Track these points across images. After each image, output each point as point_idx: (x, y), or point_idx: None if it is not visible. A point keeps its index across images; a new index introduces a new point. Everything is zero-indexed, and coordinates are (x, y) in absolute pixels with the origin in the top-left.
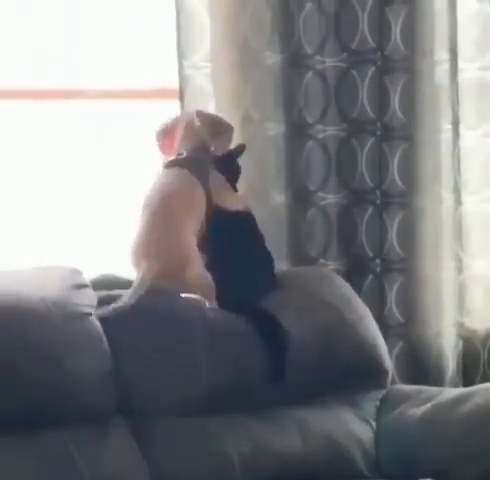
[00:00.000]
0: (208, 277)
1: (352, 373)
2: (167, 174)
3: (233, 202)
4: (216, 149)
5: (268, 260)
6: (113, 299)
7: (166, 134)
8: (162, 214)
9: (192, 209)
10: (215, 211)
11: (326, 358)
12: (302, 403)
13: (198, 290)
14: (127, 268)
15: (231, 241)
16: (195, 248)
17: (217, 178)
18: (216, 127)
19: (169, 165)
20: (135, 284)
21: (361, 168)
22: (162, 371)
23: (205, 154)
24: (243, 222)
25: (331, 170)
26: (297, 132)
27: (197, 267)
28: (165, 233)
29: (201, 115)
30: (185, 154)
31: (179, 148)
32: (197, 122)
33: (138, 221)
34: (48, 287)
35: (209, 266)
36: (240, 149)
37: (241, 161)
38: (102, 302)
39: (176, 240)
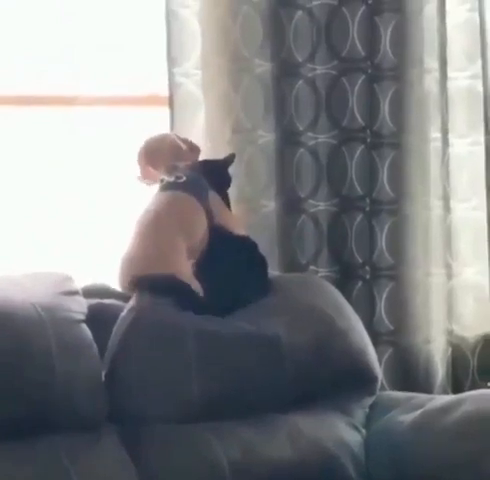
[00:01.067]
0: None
1: (342, 380)
2: (163, 197)
3: (234, 224)
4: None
5: (261, 265)
6: (105, 307)
7: (150, 158)
8: (155, 235)
9: (189, 232)
10: (216, 231)
11: (316, 365)
12: (293, 410)
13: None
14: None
15: (223, 253)
16: (185, 266)
17: (216, 199)
18: (190, 147)
19: (169, 188)
20: (131, 306)
21: (351, 175)
22: (153, 378)
23: (200, 175)
24: (245, 245)
25: (322, 177)
26: (288, 140)
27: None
28: (156, 252)
29: (182, 138)
30: (184, 178)
31: (168, 171)
32: (183, 145)
33: (129, 241)
34: (39, 293)
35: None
36: (230, 159)
37: (231, 169)
38: (93, 310)
39: (167, 262)
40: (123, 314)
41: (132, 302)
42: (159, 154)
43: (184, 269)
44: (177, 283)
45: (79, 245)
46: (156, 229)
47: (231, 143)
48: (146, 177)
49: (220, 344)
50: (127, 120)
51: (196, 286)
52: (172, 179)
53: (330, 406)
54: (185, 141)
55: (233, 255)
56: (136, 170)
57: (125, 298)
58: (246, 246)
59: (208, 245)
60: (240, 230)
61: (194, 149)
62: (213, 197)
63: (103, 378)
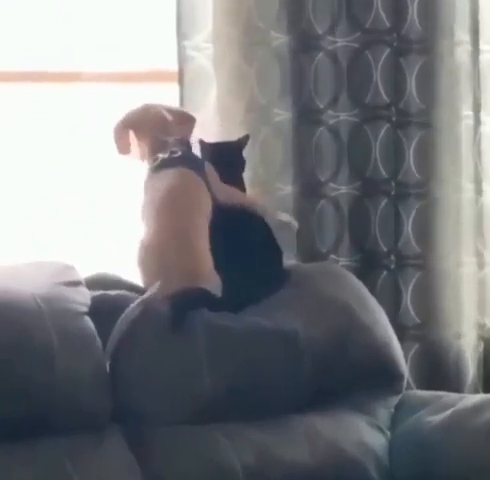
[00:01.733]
0: (215, 274)
1: (365, 378)
2: (170, 175)
3: (231, 196)
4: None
5: (276, 255)
6: (109, 299)
7: (132, 130)
8: (177, 219)
9: (202, 208)
10: (215, 207)
11: (337, 362)
12: (311, 410)
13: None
14: (124, 269)
15: (234, 237)
16: (208, 255)
17: (212, 172)
18: (180, 119)
19: (168, 165)
20: (143, 298)
21: (375, 156)
22: (161, 376)
23: (190, 147)
24: (245, 216)
25: (343, 159)
26: (306, 118)
27: (208, 268)
28: (183, 241)
29: (168, 109)
30: (180, 152)
31: (156, 147)
32: (169, 116)
33: (146, 226)
34: (39, 283)
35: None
36: (244, 140)
37: (245, 151)
38: (97, 301)
39: (195, 250)
40: (132, 305)
41: (144, 295)
42: (142, 126)
43: (208, 259)
44: (205, 296)
45: (83, 232)
46: (176, 212)
47: (245, 122)
48: (127, 151)
49: (233, 340)
50: (134, 97)
51: (216, 280)
52: (167, 155)
53: (351, 406)
54: (173, 112)
55: (236, 230)
56: (114, 145)
57: (132, 289)
58: (258, 225)
59: (214, 224)
60: (238, 200)
61: (185, 121)
62: (209, 170)
63: (108, 372)
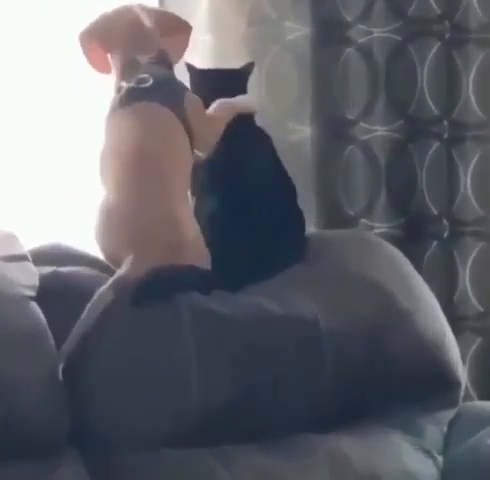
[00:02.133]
0: (203, 245)
1: (407, 385)
2: (135, 114)
3: (218, 130)
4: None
5: (291, 214)
6: (64, 279)
7: (100, 37)
8: (146, 173)
9: (180, 158)
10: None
11: (370, 363)
12: (335, 428)
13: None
14: (81, 238)
15: (228, 191)
16: (191, 219)
17: (194, 106)
18: (168, 26)
19: (132, 99)
20: (117, 276)
21: (422, 86)
22: (135, 385)
23: (171, 69)
24: (246, 157)
25: (378, 89)
26: (329, 35)
27: (191, 236)
28: (156, 201)
29: (149, 11)
30: (151, 81)
31: (126, 67)
32: (147, 21)
33: (107, 183)
34: None
35: (202, 222)
36: (248, 69)
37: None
38: (47, 282)
39: (171, 215)
40: (103, 288)
41: (116, 275)
42: (110, 36)
43: (191, 224)
44: (194, 274)
45: (27, 192)
46: (145, 164)
47: (246, 40)
48: (103, 67)
49: (232, 334)
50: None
51: (203, 251)
52: (133, 84)
53: (390, 423)
54: (158, 19)
55: (243, 189)
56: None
57: (94, 264)
58: (265, 171)
59: (199, 176)
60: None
61: (174, 31)
62: (191, 102)
63: (61, 378)
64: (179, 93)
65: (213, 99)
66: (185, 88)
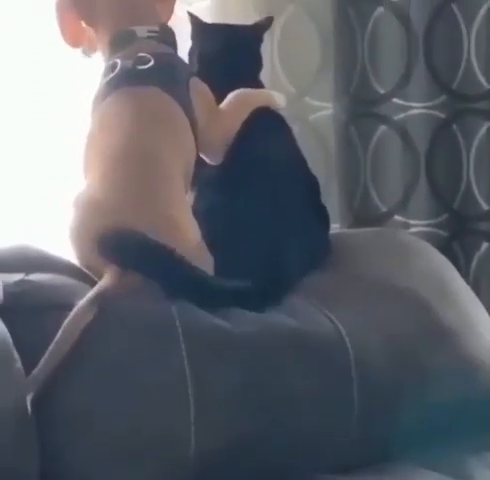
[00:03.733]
0: (206, 254)
1: (452, 418)
2: (132, 99)
3: (230, 130)
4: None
5: (312, 211)
6: (33, 290)
7: (80, 8)
8: (141, 173)
9: (181, 153)
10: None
11: (405, 393)
12: (363, 472)
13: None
14: (52, 240)
15: (237, 188)
16: (192, 221)
17: (199, 93)
18: None
19: (128, 82)
20: (100, 288)
21: (468, 53)
22: (120, 421)
23: (175, 47)
24: (260, 150)
25: (416, 57)
26: None
27: (193, 240)
28: (151, 206)
29: None
30: (152, 62)
31: (113, 41)
32: None
33: (90, 177)
34: None
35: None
36: (265, 25)
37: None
38: (13, 293)
39: (169, 217)
40: (82, 302)
41: (99, 286)
42: (93, 5)
43: (192, 227)
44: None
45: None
46: (140, 161)
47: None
48: (79, 42)
49: (236, 355)
50: None
51: (206, 257)
52: (129, 64)
53: (431, 464)
54: None
55: (252, 186)
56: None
57: (69, 271)
58: (281, 165)
59: (203, 174)
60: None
61: None
62: (196, 88)
63: (29, 410)
64: (183, 79)
65: (220, 62)
66: (190, 72)
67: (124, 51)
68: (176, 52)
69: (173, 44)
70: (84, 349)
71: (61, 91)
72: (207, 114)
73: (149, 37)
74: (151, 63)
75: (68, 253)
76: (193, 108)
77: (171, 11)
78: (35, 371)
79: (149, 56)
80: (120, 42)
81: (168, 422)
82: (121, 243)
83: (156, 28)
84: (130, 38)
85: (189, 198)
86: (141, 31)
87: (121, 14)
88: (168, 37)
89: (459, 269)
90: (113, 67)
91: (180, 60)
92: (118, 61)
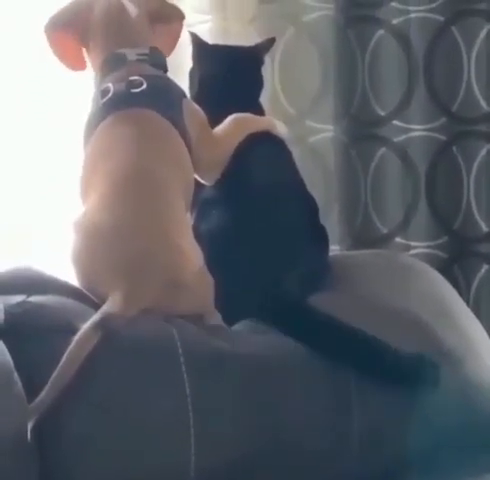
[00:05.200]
0: (208, 277)
1: (454, 442)
2: (129, 121)
3: (225, 153)
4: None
5: (311, 232)
6: (35, 311)
7: (69, 27)
8: (141, 196)
9: (181, 176)
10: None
11: (407, 416)
12: None
13: (197, 299)
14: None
15: (241, 207)
16: (194, 246)
17: (193, 114)
18: (156, 13)
19: (123, 105)
20: (104, 313)
21: (469, 76)
22: (124, 450)
23: (165, 70)
24: (257, 174)
25: (416, 79)
26: (356, 14)
27: (196, 265)
28: (152, 231)
29: None
30: (145, 85)
31: (105, 64)
32: (132, 9)
33: (88, 200)
34: None
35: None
36: (266, 46)
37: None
38: (14, 316)
39: (170, 242)
40: (83, 331)
41: (102, 311)
42: (89, 23)
43: (193, 250)
44: None
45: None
46: (140, 184)
47: (257, 20)
48: (76, 64)
49: (237, 378)
50: None
51: (207, 281)
52: (122, 88)
53: None
54: (141, 2)
55: (251, 208)
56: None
57: (71, 293)
58: (279, 188)
59: (202, 196)
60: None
61: (165, 18)
62: (190, 110)
63: (29, 437)
64: (176, 101)
65: (221, 83)
66: (183, 94)
67: (115, 74)
68: (166, 73)
69: (163, 66)
70: (87, 376)
71: (61, 91)
72: (200, 134)
73: (139, 60)
74: (144, 86)
75: (68, 274)
76: (187, 129)
77: (175, 37)
78: (39, 398)
79: (141, 79)
80: (111, 64)
81: (169, 449)
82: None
83: (146, 51)
84: (121, 61)
85: (189, 218)
86: (131, 54)
87: (111, 36)
88: (158, 60)
89: (459, 291)
90: (106, 92)
91: (172, 82)
92: (110, 85)
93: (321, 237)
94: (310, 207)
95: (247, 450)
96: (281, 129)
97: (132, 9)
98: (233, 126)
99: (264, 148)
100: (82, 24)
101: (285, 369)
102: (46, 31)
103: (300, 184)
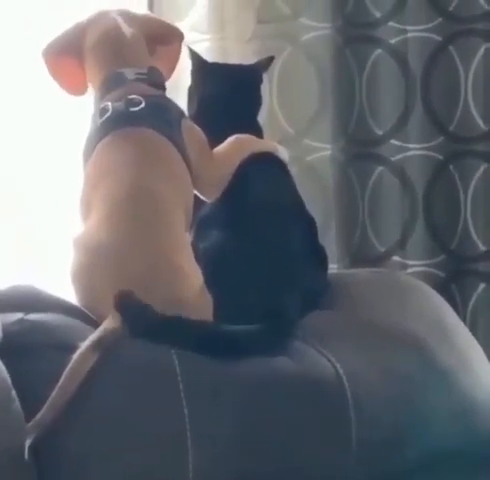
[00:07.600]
0: (208, 296)
1: (451, 460)
2: (129, 140)
3: (225, 172)
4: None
5: (310, 252)
6: (33, 329)
7: (69, 49)
8: (141, 215)
9: (181, 195)
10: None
11: (404, 435)
12: None
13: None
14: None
15: (240, 226)
16: (194, 266)
17: (192, 134)
18: (156, 34)
19: (123, 124)
20: (103, 332)
21: (466, 96)
22: (114, 467)
23: (164, 89)
24: (256, 195)
25: (413, 99)
26: (354, 34)
27: (196, 286)
28: (152, 251)
29: (131, 16)
30: (144, 104)
31: (103, 84)
32: (127, 29)
33: (87, 219)
34: None
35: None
36: (265, 64)
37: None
38: (12, 333)
39: (170, 262)
40: (82, 350)
41: (101, 330)
42: (88, 46)
43: (194, 270)
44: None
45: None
46: (140, 204)
47: (255, 40)
48: (76, 87)
49: (236, 398)
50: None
51: (207, 302)
52: (122, 107)
53: None
54: (141, 25)
55: (251, 229)
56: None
57: (69, 312)
58: (280, 210)
59: (202, 215)
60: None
61: (163, 39)
62: (189, 129)
63: (26, 455)
64: (175, 120)
65: (220, 101)
66: (181, 113)
67: (114, 93)
68: (165, 93)
69: (161, 86)
70: (86, 395)
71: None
72: (199, 153)
73: (138, 79)
74: (142, 105)
75: (67, 293)
76: (186, 147)
77: (175, 58)
78: (38, 416)
79: (140, 98)
80: (110, 83)
81: (166, 469)
82: (133, 312)
83: (144, 70)
84: (120, 80)
85: (188, 237)
86: (130, 73)
87: (108, 55)
88: (156, 79)
89: (456, 309)
90: (105, 110)
91: (170, 101)
92: (109, 103)
93: (321, 257)
94: (309, 226)
95: (246, 469)
96: (283, 153)
97: (126, 29)
98: (235, 146)
99: (265, 168)
100: (79, 45)
101: (281, 387)
102: (44, 55)
103: (300, 205)
